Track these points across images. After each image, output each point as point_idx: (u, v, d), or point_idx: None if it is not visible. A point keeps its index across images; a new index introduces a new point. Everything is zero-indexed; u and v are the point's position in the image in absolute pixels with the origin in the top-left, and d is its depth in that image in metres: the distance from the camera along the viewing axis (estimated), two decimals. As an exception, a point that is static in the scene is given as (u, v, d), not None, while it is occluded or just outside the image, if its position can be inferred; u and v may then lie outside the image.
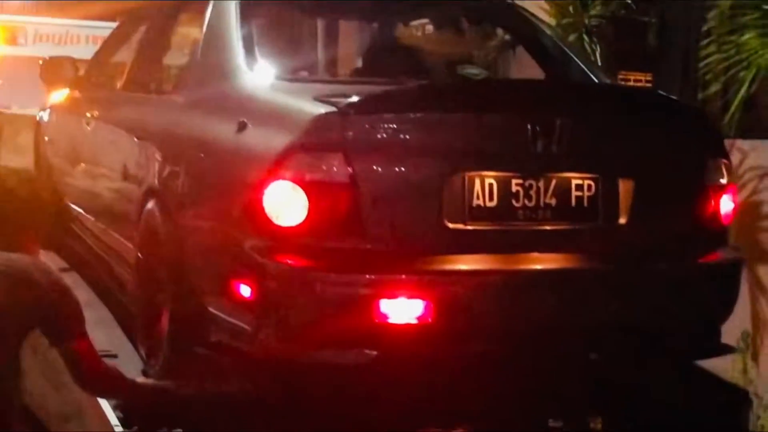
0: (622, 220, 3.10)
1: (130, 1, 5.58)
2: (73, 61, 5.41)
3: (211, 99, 3.52)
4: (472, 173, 2.94)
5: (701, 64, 5.09)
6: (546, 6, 5.87)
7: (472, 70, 4.27)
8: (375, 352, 2.86)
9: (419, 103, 2.95)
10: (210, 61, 3.63)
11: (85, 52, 6.60)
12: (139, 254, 3.73)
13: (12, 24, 9.68)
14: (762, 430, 4.74)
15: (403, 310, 2.84)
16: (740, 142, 5.02)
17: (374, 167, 2.88)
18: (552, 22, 5.91)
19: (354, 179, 2.84)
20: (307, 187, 2.83)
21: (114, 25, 6.03)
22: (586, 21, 6.03)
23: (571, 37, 5.95)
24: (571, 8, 5.96)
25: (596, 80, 3.84)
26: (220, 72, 3.49)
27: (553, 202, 3.01)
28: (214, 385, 3.25)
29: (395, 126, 2.89)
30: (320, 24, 5.60)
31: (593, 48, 6.04)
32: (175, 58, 4.63)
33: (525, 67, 4.41)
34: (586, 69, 3.93)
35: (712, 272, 3.28)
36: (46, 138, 5.88)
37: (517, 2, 4.52)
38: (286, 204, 2.85)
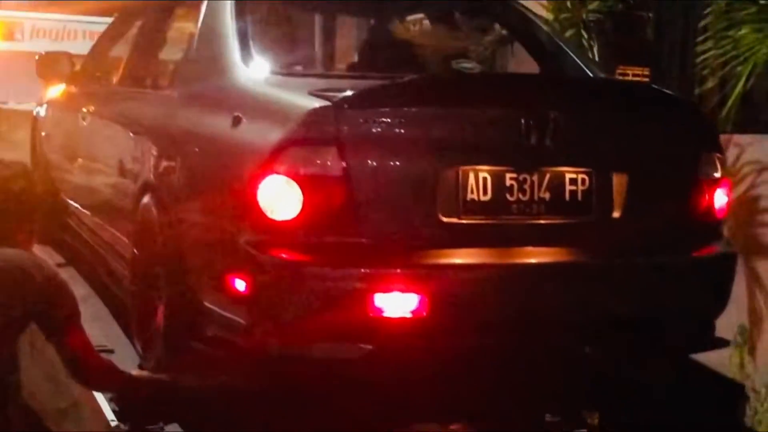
0: (616, 214, 3.11)
1: (127, -4, 5.57)
2: (69, 57, 5.41)
3: (206, 94, 3.52)
4: (467, 167, 2.95)
5: (698, 60, 5.08)
6: (544, 1, 5.86)
7: (466, 65, 4.26)
8: (370, 346, 2.86)
9: (413, 97, 2.95)
10: (205, 56, 3.63)
11: (83, 47, 6.59)
12: (135, 249, 3.73)
13: (9, 19, 9.67)
14: (759, 425, 4.74)
15: (397, 304, 2.84)
16: (737, 137, 5.02)
17: (368, 161, 2.88)
18: (550, 17, 5.90)
19: (348, 173, 2.84)
20: (302, 181, 2.84)
21: (111, 20, 6.00)
22: (584, 16, 6.02)
23: (569, 32, 5.94)
24: (569, 3, 5.95)
25: (591, 75, 3.84)
26: (215, 67, 3.49)
27: (547, 196, 3.02)
28: (210, 379, 3.25)
29: (389, 120, 2.89)
30: (315, 19, 5.60)
31: (591, 43, 6.03)
32: (170, 54, 4.62)
33: (523, 62, 4.41)
34: (581, 63, 3.93)
35: (706, 266, 3.29)
36: (43, 133, 5.88)
37: (516, -3, 4.52)
38: (280, 198, 2.85)
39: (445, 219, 2.94)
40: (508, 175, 2.99)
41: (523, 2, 4.40)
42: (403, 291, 2.84)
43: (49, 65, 5.39)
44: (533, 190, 3.00)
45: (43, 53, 5.61)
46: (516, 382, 3.23)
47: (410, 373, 2.98)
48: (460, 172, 2.94)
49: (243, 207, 2.91)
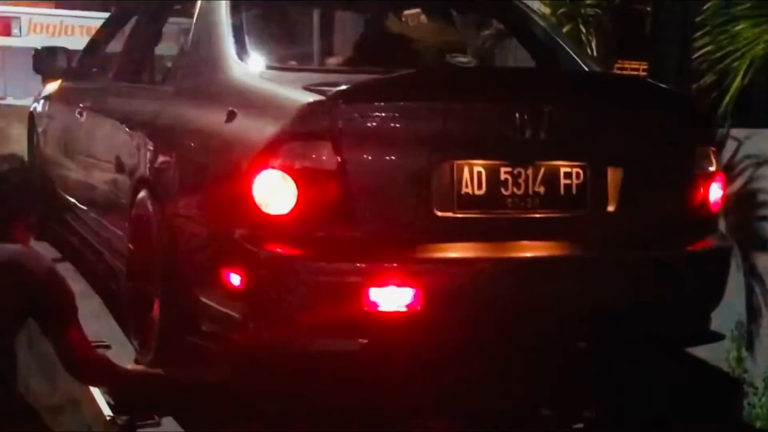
0: (611, 208, 3.11)
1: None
2: (66, 52, 5.41)
3: (201, 88, 3.52)
4: (461, 161, 2.95)
5: (696, 55, 5.08)
6: (542, -5, 5.86)
7: (461, 59, 4.26)
8: (365, 340, 2.87)
9: (408, 92, 2.95)
10: (200, 51, 3.63)
11: (80, 43, 6.59)
12: (131, 244, 3.73)
13: (6, 14, 9.67)
14: (756, 419, 4.75)
15: (392, 298, 2.84)
16: (735, 131, 5.02)
17: (363, 155, 2.88)
18: (547, 11, 5.90)
19: (343, 167, 2.84)
20: (296, 176, 2.84)
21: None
22: (582, 10, 6.02)
23: (567, 27, 5.94)
24: (567, -2, 5.95)
25: (586, 69, 3.84)
26: (210, 61, 3.49)
27: (542, 190, 3.02)
28: (206, 374, 3.25)
29: (384, 114, 2.90)
30: (311, 13, 5.61)
31: (589, 38, 6.03)
32: (166, 49, 4.63)
33: (523, 57, 4.40)
34: (576, 57, 3.93)
35: (700, 260, 3.28)
36: (40, 129, 5.88)
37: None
38: (275, 192, 2.85)
39: (439, 213, 2.94)
40: (502, 169, 2.99)
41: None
42: (398, 285, 2.84)
43: (45, 60, 5.39)
44: (528, 184, 3.00)
45: (40, 48, 5.61)
46: (511, 376, 3.23)
47: (405, 367, 2.98)
48: (455, 166, 2.94)
49: (238, 201, 2.91)
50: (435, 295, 2.88)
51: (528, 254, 3.06)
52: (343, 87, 2.92)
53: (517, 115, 2.95)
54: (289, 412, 3.10)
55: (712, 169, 3.30)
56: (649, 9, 6.55)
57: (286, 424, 3.08)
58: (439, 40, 4.31)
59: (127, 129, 4.05)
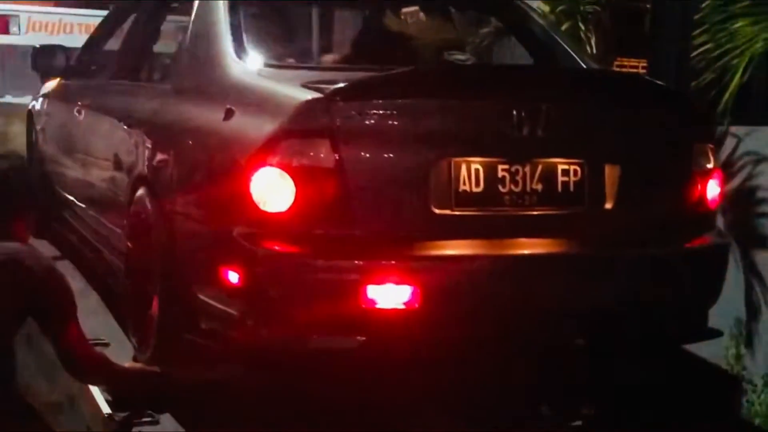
0: (609, 205, 3.11)
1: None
2: (64, 50, 5.41)
3: (199, 86, 3.52)
4: (459, 159, 2.95)
5: (695, 52, 5.08)
6: (541, -7, 5.86)
7: (459, 57, 4.26)
8: (363, 338, 2.87)
9: (406, 89, 2.95)
10: (199, 49, 3.63)
11: (79, 41, 6.58)
12: (129, 242, 3.73)
13: (5, 13, 9.66)
14: (755, 417, 4.75)
15: (390, 295, 2.84)
16: (735, 128, 5.02)
17: (361, 153, 2.88)
18: (546, 9, 5.89)
19: (340, 165, 2.84)
20: (294, 173, 2.84)
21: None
22: (581, 8, 6.01)
23: (566, 24, 5.93)
24: (565, -5, 5.94)
25: (583, 66, 3.84)
26: (208, 59, 3.49)
27: (539, 187, 3.02)
28: (204, 371, 3.26)
29: (382, 112, 2.90)
30: (309, 11, 5.60)
31: (588, 35, 6.02)
32: (164, 47, 4.63)
33: (522, 54, 4.40)
34: (574, 55, 3.93)
35: (698, 257, 3.29)
36: (38, 127, 5.88)
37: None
38: (273, 190, 2.85)
39: (437, 210, 2.94)
40: (500, 167, 2.99)
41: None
42: (395, 282, 2.85)
43: (44, 59, 5.39)
44: (525, 182, 3.01)
45: (39, 46, 5.61)
46: (510, 373, 3.23)
47: (403, 364, 2.99)
48: (453, 164, 2.94)
49: (236, 199, 2.91)
50: (433, 293, 2.88)
51: (526, 251, 3.06)
52: (341, 84, 2.92)
53: (514, 112, 2.95)
54: (287, 408, 3.10)
55: (709, 166, 3.31)
56: (648, 6, 6.55)
57: (286, 424, 3.07)
58: (438, 38, 4.31)
59: (125, 127, 4.05)
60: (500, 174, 2.99)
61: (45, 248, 4.87)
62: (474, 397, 3.22)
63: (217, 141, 3.15)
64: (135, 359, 3.53)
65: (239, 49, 3.38)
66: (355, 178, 2.86)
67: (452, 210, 2.95)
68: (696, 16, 5.11)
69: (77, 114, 4.89)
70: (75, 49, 5.70)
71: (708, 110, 4.76)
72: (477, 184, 2.96)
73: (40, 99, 5.95)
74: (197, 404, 3.16)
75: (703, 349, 3.85)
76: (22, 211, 3.02)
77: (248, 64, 3.37)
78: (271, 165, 2.84)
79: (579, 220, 3.10)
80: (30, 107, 6.18)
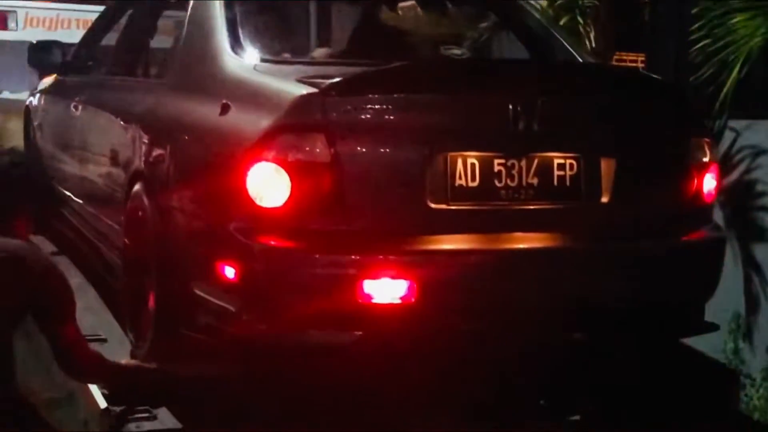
0: (605, 199, 3.11)
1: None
2: (61, 46, 5.41)
3: (195, 81, 3.51)
4: (455, 153, 2.94)
5: (694, 48, 5.09)
6: (540, -13, 5.86)
7: (455, 51, 4.27)
8: (359, 333, 2.87)
9: (402, 84, 2.94)
10: (195, 44, 3.62)
11: (77, 36, 6.58)
12: (126, 237, 3.73)
13: (2, 8, 9.65)
14: (754, 411, 4.76)
15: (386, 290, 2.84)
16: (733, 122, 5.03)
17: (357, 148, 2.88)
18: (545, 3, 5.89)
19: (336, 160, 2.84)
20: (290, 168, 2.84)
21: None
22: (580, 2, 6.02)
23: (565, 19, 5.93)
24: (564, -11, 5.95)
25: (580, 60, 3.83)
26: (204, 54, 3.49)
27: (536, 181, 3.02)
28: (200, 367, 3.26)
29: (378, 106, 2.89)
30: (305, 6, 5.60)
31: (587, 29, 6.03)
32: (161, 42, 4.62)
33: (520, 48, 4.40)
34: (571, 49, 3.92)
35: (694, 250, 3.29)
36: (35, 122, 5.88)
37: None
38: (268, 185, 2.85)
39: (433, 205, 2.93)
40: (496, 161, 2.98)
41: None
42: (392, 277, 2.84)
43: (41, 54, 5.38)
44: (521, 176, 3.00)
45: (35, 42, 5.61)
46: (507, 368, 3.23)
47: (400, 359, 2.98)
48: (449, 158, 2.94)
49: (232, 194, 2.91)
50: (429, 287, 2.88)
51: (522, 246, 3.05)
52: (337, 79, 2.92)
53: (510, 106, 2.95)
54: (283, 404, 3.10)
55: (706, 160, 3.30)
56: (647, 1, 6.55)
57: (283, 419, 3.07)
58: (434, 33, 4.31)
59: (122, 122, 4.04)
60: (496, 168, 2.98)
61: (43, 244, 4.87)
62: (468, 389, 3.22)
63: (213, 136, 3.14)
64: (132, 355, 3.53)
65: (235, 44, 3.37)
66: (351, 172, 2.86)
67: (448, 204, 2.95)
68: (694, 11, 5.11)
69: (74, 110, 4.89)
70: (72, 44, 5.70)
71: (705, 104, 4.77)
72: (473, 179, 2.96)
73: (37, 95, 5.95)
74: (194, 399, 3.16)
75: (701, 343, 3.85)
76: (23, 207, 3.02)
77: (244, 59, 3.36)
78: (266, 160, 2.84)
79: (575, 214, 3.10)
80: (27, 103, 6.18)
